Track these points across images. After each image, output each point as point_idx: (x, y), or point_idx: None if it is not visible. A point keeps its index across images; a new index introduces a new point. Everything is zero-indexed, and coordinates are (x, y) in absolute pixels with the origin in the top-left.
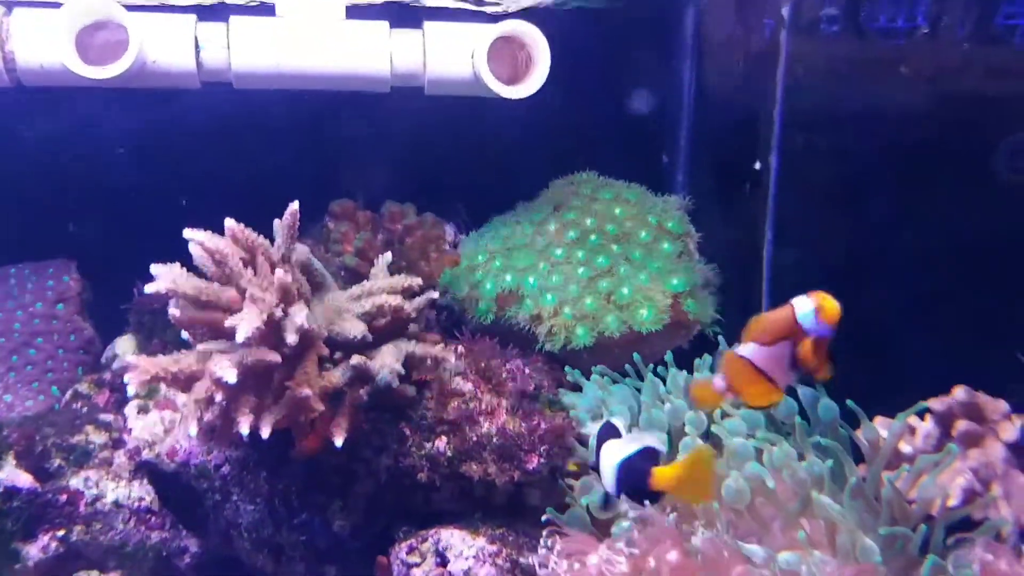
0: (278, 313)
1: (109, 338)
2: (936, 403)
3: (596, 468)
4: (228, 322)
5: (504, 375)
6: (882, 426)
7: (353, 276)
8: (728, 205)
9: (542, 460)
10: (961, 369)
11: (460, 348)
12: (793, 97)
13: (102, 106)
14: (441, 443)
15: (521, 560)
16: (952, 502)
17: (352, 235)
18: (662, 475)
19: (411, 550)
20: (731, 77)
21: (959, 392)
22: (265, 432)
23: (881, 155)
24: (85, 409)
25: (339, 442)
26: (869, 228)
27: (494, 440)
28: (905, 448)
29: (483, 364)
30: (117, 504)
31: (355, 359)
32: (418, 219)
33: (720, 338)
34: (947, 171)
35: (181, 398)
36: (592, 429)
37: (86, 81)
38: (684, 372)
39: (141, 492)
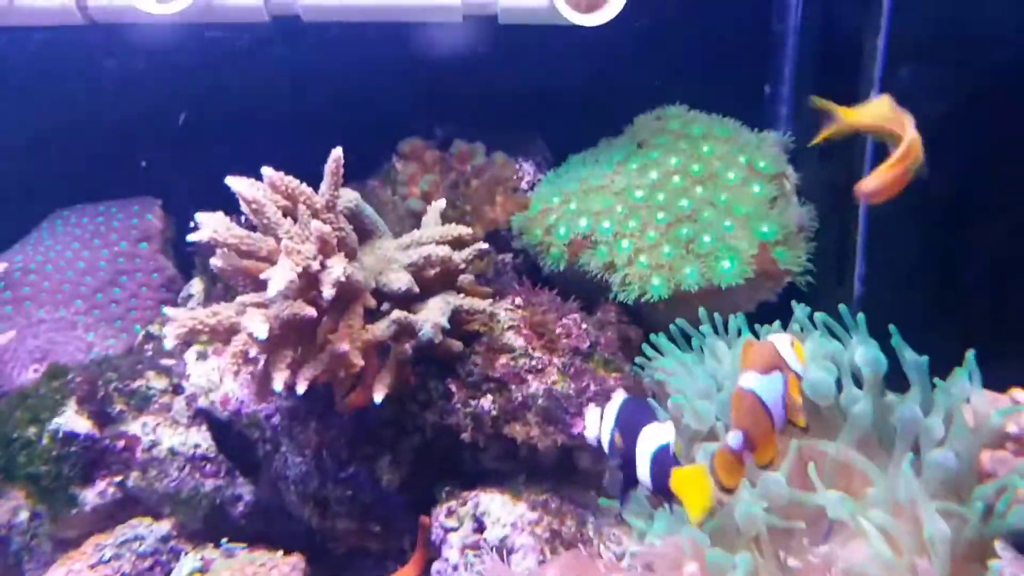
0: (315, 265)
1: (192, 276)
2: None
3: (613, 451)
4: (263, 275)
5: (558, 330)
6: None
7: (419, 220)
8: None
9: None
10: None
11: (517, 300)
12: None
13: (184, 42)
14: (486, 402)
15: (562, 530)
16: None
17: (419, 176)
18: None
19: (450, 513)
20: None
21: None
22: (301, 388)
23: (994, 93)
24: (151, 353)
25: (378, 398)
26: (977, 172)
27: (539, 401)
28: (1011, 428)
29: (537, 318)
30: (172, 451)
31: (396, 314)
32: (487, 159)
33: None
34: None
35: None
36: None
37: (152, 18)
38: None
39: (197, 439)
